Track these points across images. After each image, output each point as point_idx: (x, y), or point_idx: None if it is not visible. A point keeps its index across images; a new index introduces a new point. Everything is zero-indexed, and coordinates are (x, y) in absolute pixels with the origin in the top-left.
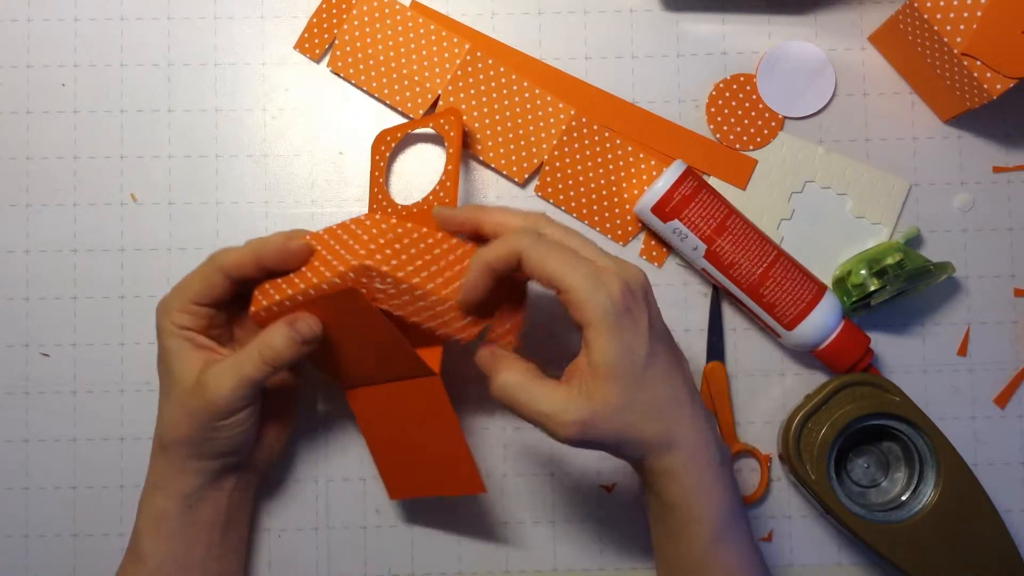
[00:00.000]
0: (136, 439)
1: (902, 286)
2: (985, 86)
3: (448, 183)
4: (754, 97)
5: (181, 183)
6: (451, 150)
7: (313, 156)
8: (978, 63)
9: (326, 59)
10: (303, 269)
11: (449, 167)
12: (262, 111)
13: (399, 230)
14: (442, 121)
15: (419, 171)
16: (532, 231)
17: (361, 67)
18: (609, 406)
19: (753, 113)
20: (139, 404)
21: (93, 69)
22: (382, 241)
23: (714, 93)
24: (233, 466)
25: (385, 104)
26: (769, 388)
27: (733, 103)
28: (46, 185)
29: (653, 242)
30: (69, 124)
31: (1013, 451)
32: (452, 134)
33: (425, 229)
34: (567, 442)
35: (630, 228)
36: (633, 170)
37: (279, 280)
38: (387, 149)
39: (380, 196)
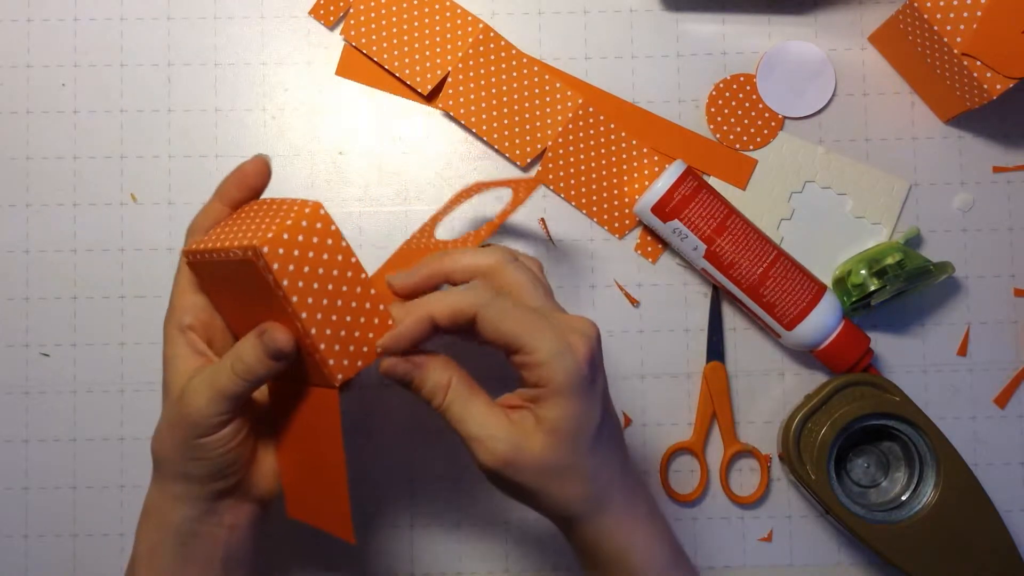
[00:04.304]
0: (136, 439)
1: (902, 286)
2: (985, 86)
3: (483, 232)
4: (754, 97)
5: (181, 183)
6: (509, 208)
7: (313, 156)
8: (978, 63)
9: (339, 28)
10: (231, 224)
11: (495, 220)
12: (262, 111)
13: (318, 225)
14: (522, 184)
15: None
16: (488, 289)
17: (373, 37)
18: (543, 461)
19: (753, 113)
20: (139, 404)
21: (93, 69)
22: (298, 237)
23: (714, 93)
24: (226, 492)
25: (394, 75)
26: (769, 388)
27: (733, 103)
28: (46, 185)
29: (649, 238)
30: (69, 124)
31: (1013, 451)
32: (520, 195)
33: (362, 271)
34: (484, 470)
35: (627, 221)
36: (636, 164)
37: (216, 227)
38: (466, 197)
39: (427, 229)
